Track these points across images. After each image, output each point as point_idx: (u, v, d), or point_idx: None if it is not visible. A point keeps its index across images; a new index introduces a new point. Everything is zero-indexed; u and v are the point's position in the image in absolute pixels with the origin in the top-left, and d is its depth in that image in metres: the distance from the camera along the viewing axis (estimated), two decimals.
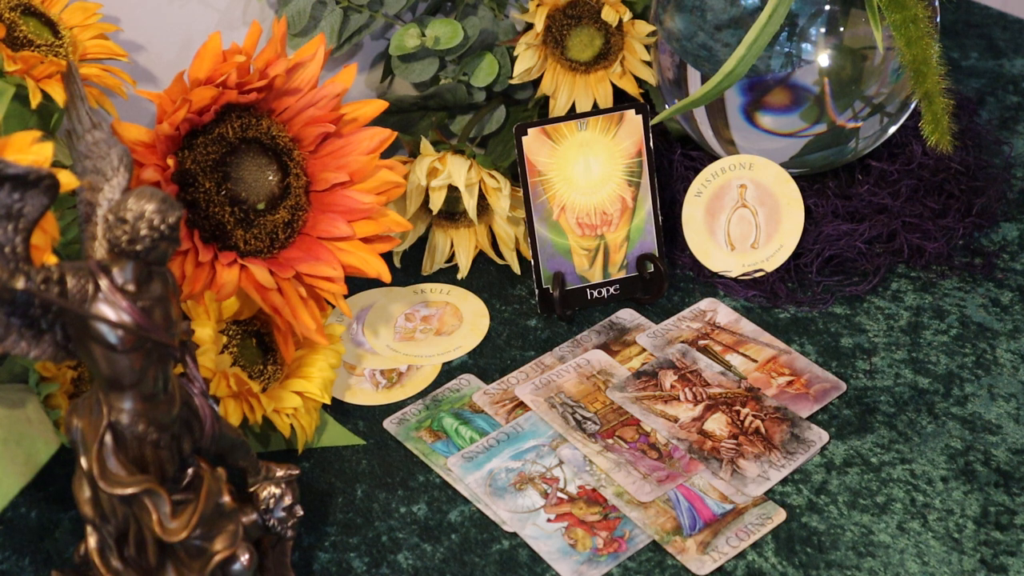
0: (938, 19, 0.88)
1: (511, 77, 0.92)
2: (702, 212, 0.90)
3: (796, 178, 0.90)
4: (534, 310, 0.88)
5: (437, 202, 0.87)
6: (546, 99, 0.95)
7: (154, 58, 0.86)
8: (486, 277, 0.91)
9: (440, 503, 0.74)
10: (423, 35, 0.88)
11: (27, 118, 0.72)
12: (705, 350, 0.84)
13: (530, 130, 0.86)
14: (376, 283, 0.89)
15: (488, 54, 0.92)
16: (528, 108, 0.97)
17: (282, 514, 0.66)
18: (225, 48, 0.70)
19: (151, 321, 0.56)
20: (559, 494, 0.74)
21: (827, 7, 0.86)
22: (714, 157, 0.93)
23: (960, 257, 0.91)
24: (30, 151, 0.56)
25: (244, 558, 0.61)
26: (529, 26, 0.92)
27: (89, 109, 0.66)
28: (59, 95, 0.69)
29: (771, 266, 0.89)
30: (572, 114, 0.87)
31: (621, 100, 0.94)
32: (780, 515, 0.73)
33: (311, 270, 0.74)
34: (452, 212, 0.91)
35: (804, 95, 0.89)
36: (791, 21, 0.86)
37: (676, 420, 0.78)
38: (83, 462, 0.58)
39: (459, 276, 0.91)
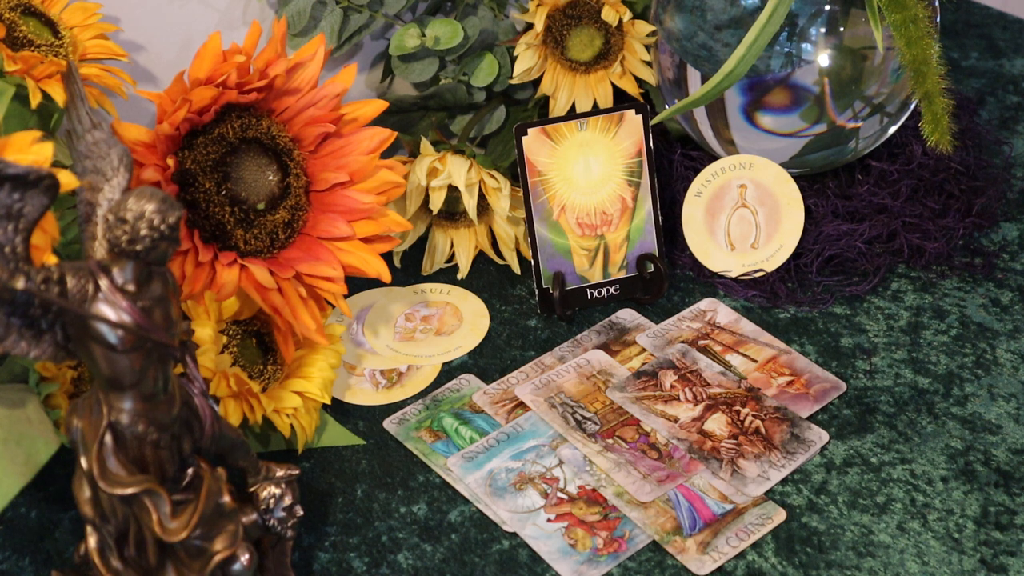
0: (938, 19, 0.88)
1: (511, 77, 0.92)
2: (702, 212, 0.90)
3: (796, 178, 0.90)
4: (534, 310, 0.88)
5: (437, 202, 0.87)
6: (546, 99, 0.95)
7: (154, 58, 0.86)
8: (486, 277, 0.91)
9: (440, 503, 0.74)
10: (423, 35, 0.88)
11: (27, 118, 0.72)
12: (705, 350, 0.84)
13: (530, 130, 0.86)
14: (376, 283, 0.89)
15: (488, 54, 0.92)
16: (528, 108, 0.97)
17: (282, 514, 0.66)
18: (225, 48, 0.70)
19: (151, 321, 0.56)
20: (559, 494, 0.74)
21: (827, 7, 0.86)
22: (714, 157, 0.93)
23: (960, 257, 0.91)
24: (30, 151, 0.56)
25: (244, 558, 0.61)
26: (529, 26, 0.92)
27: (89, 109, 0.66)
28: (59, 95, 0.69)
29: (771, 266, 0.89)
30: (572, 114, 0.87)
31: (621, 100, 0.94)
32: (780, 515, 0.73)
33: (311, 270, 0.74)
34: (452, 212, 0.91)
35: (804, 95, 0.89)
36: (791, 21, 0.86)
37: (676, 420, 0.78)
38: (83, 462, 0.58)
39: (459, 276, 0.91)
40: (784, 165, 0.90)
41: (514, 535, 0.72)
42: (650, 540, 0.71)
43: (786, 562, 0.70)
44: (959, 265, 0.90)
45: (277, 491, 0.66)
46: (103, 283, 0.55)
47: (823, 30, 0.87)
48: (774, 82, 0.88)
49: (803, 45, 0.87)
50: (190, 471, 0.62)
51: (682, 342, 0.84)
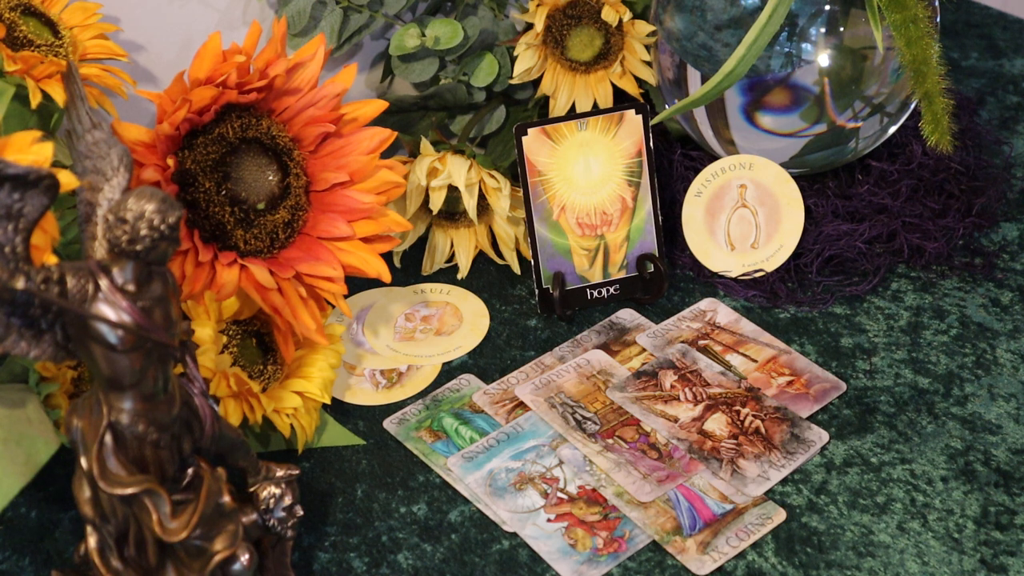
0: (938, 19, 0.88)
1: (511, 77, 0.92)
2: (702, 212, 0.90)
3: (796, 178, 0.90)
4: (534, 310, 0.88)
5: (437, 202, 0.87)
6: (546, 99, 0.95)
7: (154, 58, 0.86)
8: (486, 277, 0.91)
9: (440, 503, 0.74)
10: (423, 35, 0.88)
11: (27, 118, 0.72)
12: (705, 350, 0.84)
13: (530, 130, 0.86)
14: (376, 283, 0.89)
15: (488, 54, 0.92)
16: (528, 108, 0.97)
17: (282, 514, 0.66)
18: (225, 48, 0.70)
19: (151, 321, 0.56)
20: (559, 494, 0.74)
21: (827, 7, 0.86)
22: (714, 157, 0.93)
23: (960, 257, 0.91)
24: (30, 151, 0.56)
25: (244, 558, 0.61)
26: (529, 26, 0.92)
27: (89, 109, 0.66)
28: (59, 95, 0.69)
29: (771, 266, 0.89)
30: (572, 114, 0.87)
31: (621, 100, 0.94)
32: (780, 515, 0.73)
33: (311, 270, 0.74)
34: (452, 212, 0.91)
35: (804, 95, 0.89)
36: (791, 21, 0.86)
37: (676, 420, 0.78)
38: (83, 462, 0.58)
39: (459, 276, 0.91)
40: (784, 165, 0.90)
41: (514, 535, 0.72)
42: (650, 540, 0.71)
43: (786, 562, 0.70)
44: (959, 265, 0.90)
45: (277, 491, 0.66)
46: (103, 283, 0.55)
47: (823, 30, 0.87)
48: (774, 82, 0.88)
49: (803, 45, 0.87)
50: (190, 471, 0.62)
51: (682, 342, 0.84)
